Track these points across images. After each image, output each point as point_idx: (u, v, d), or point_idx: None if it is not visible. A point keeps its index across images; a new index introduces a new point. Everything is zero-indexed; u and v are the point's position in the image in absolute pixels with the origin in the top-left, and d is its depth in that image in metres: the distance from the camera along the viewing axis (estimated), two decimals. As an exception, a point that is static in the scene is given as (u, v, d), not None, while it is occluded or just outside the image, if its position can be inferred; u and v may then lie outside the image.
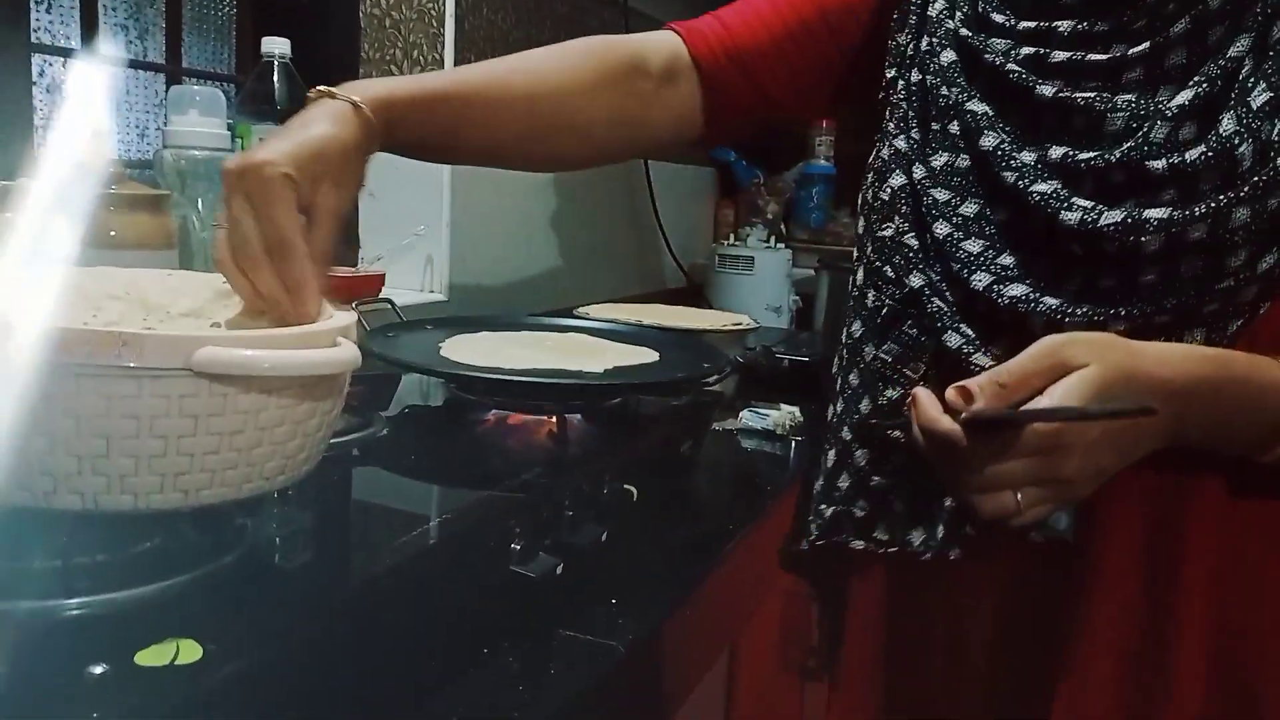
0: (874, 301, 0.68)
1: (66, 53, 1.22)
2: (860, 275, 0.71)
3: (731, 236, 2.06)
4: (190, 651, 0.46)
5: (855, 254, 0.73)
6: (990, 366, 0.59)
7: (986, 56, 0.63)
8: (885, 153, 0.70)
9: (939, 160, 0.65)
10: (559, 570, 0.68)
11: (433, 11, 1.46)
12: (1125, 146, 0.58)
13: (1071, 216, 0.58)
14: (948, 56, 0.66)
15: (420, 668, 0.59)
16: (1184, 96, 0.57)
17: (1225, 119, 0.55)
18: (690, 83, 0.79)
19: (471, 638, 0.63)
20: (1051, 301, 0.59)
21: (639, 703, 0.72)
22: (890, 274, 0.67)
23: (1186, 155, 0.56)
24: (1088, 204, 0.58)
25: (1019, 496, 0.52)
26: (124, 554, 0.54)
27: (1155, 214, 0.56)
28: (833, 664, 0.80)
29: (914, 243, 0.65)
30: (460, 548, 0.68)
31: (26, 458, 0.47)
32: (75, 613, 0.49)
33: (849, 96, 0.81)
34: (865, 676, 0.77)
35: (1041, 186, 0.59)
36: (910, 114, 0.68)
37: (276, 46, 1.08)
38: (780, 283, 1.96)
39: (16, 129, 1.06)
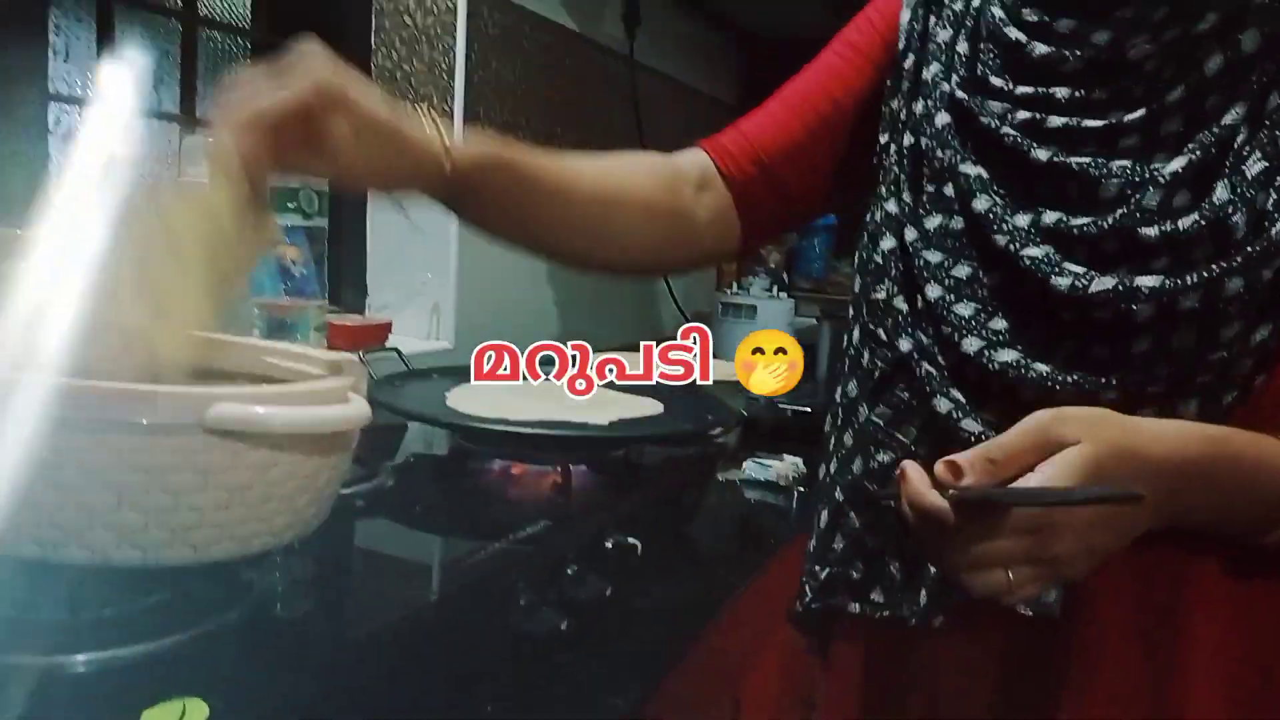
0: (868, 363, 0.68)
1: (82, 102, 1.24)
2: (856, 334, 0.71)
3: (735, 285, 2.07)
4: (197, 710, 0.46)
5: (851, 312, 0.73)
6: (980, 432, 0.59)
7: (982, 119, 0.63)
8: (878, 215, 0.70)
9: (932, 222, 0.65)
10: (563, 626, 0.68)
11: (443, 65, 1.48)
12: (1118, 213, 0.57)
13: (1063, 282, 0.58)
14: (943, 119, 0.66)
15: (424, 725, 0.59)
16: (1178, 163, 0.57)
17: (1219, 187, 0.55)
18: (721, 193, 0.79)
19: (476, 694, 0.62)
20: (1042, 368, 0.59)
21: (642, 760, 0.71)
22: (883, 336, 0.67)
23: (1179, 223, 0.56)
24: (1079, 269, 0.58)
25: (1010, 574, 0.50)
26: (131, 608, 0.54)
27: (1147, 282, 0.56)
28: None
29: (903, 306, 0.65)
30: (464, 604, 0.68)
31: (36, 511, 0.47)
32: (82, 669, 0.49)
33: (871, 184, 0.80)
34: None
35: (1033, 251, 0.59)
36: (901, 177, 0.68)
37: (290, 99, 1.09)
38: (783, 331, 1.96)
39: (32, 176, 1.08)
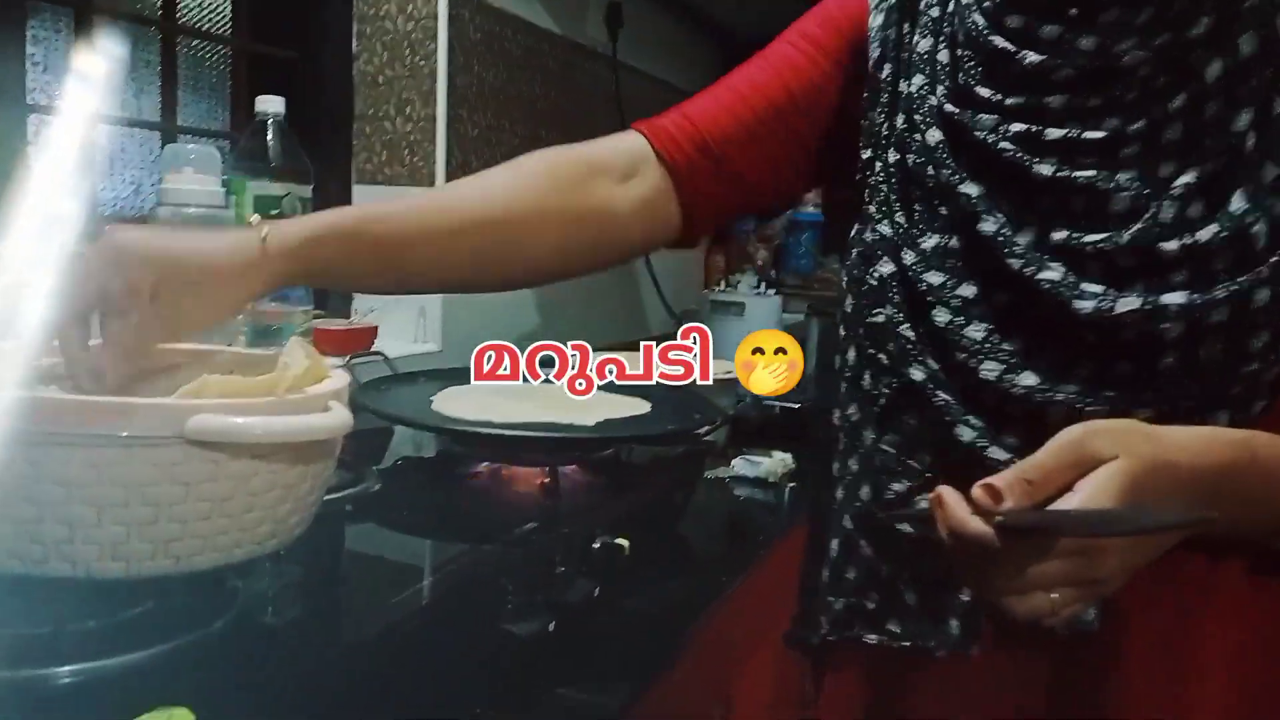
0: (870, 387, 0.66)
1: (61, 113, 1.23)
2: (852, 355, 0.69)
3: (723, 283, 2.07)
4: (183, 720, 0.46)
5: (841, 329, 0.70)
6: (1006, 459, 0.58)
7: (976, 134, 0.61)
8: (869, 235, 0.68)
9: (928, 243, 0.63)
10: (551, 628, 0.68)
11: (425, 69, 1.48)
12: (1135, 228, 0.56)
13: (1085, 305, 0.56)
14: (934, 136, 0.63)
15: (412, 729, 0.59)
16: (1190, 175, 0.55)
17: (1235, 197, 0.54)
18: (655, 178, 0.76)
19: (464, 697, 0.63)
20: (1069, 390, 0.57)
21: (633, 760, 0.71)
22: (885, 361, 0.65)
23: (1198, 235, 0.54)
24: (1099, 289, 0.56)
25: (1053, 596, 0.49)
26: (116, 620, 0.54)
27: (1175, 299, 0.54)
28: None
29: (910, 334, 0.63)
30: (452, 606, 0.68)
31: (16, 526, 0.47)
32: (68, 680, 0.49)
33: (825, 175, 0.79)
34: None
35: (1050, 274, 0.57)
36: (892, 196, 0.66)
37: (270, 105, 1.09)
38: (771, 328, 1.97)
39: (10, 188, 1.07)
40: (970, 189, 0.61)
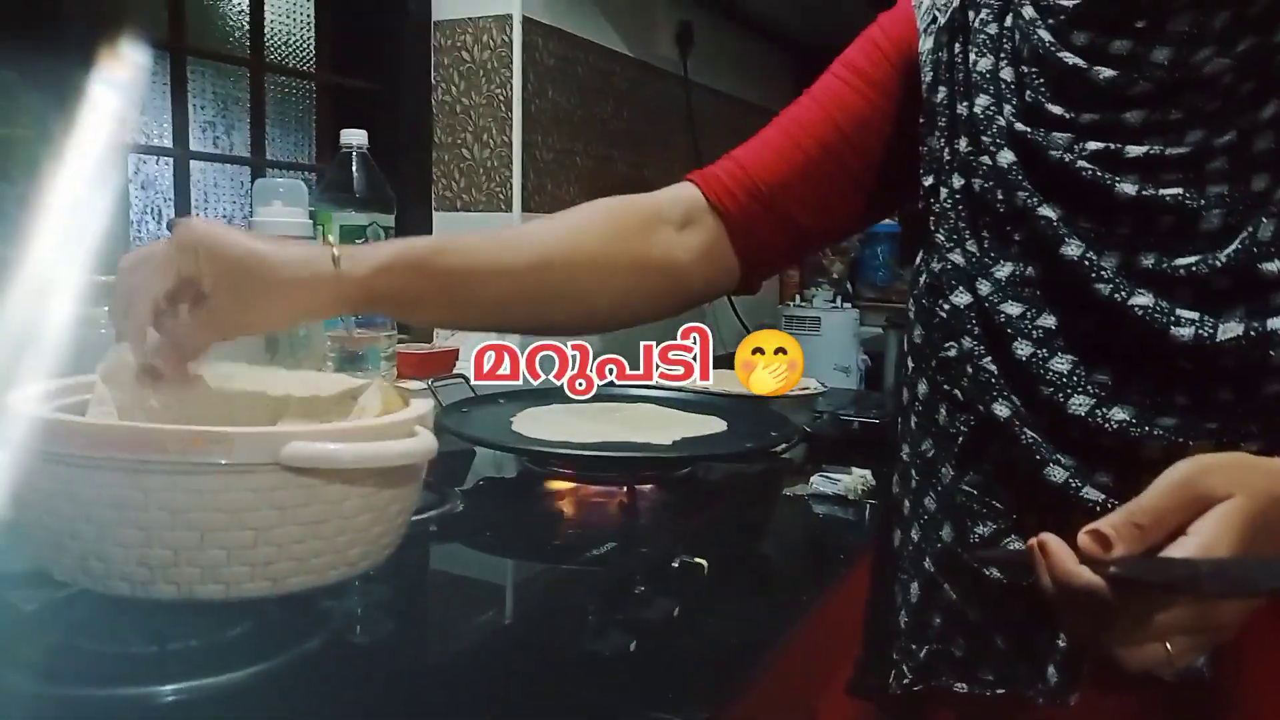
0: (946, 423, 0.64)
1: (160, 151, 1.29)
2: (923, 388, 0.66)
3: (797, 298, 2.06)
4: (280, 737, 0.48)
5: (910, 361, 0.68)
6: (1100, 500, 0.55)
7: (1051, 153, 0.58)
8: (936, 265, 0.65)
9: (1002, 271, 0.61)
10: (632, 647, 0.69)
11: (500, 96, 1.51)
12: (1232, 249, 0.53)
13: (1184, 332, 0.53)
14: (1006, 157, 0.61)
15: (498, 748, 0.60)
16: None
17: None
18: (711, 226, 0.75)
19: (546, 716, 0.64)
20: (1166, 423, 0.55)
21: (716, 780, 0.71)
22: (961, 398, 0.62)
23: None
24: (1195, 315, 0.53)
25: (1169, 646, 0.46)
26: (216, 640, 0.56)
27: None
28: None
29: (993, 367, 0.60)
30: (534, 625, 0.69)
31: (125, 550, 0.50)
32: (171, 699, 0.51)
33: (882, 209, 0.78)
34: None
35: (1142, 300, 0.55)
36: (961, 224, 0.64)
37: (354, 138, 1.13)
38: (848, 343, 1.95)
39: (113, 225, 1.13)
40: (1049, 211, 0.59)
